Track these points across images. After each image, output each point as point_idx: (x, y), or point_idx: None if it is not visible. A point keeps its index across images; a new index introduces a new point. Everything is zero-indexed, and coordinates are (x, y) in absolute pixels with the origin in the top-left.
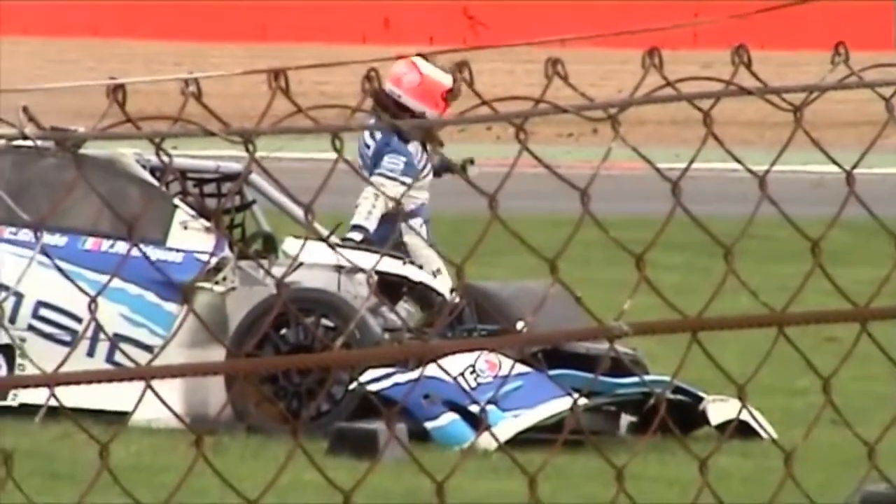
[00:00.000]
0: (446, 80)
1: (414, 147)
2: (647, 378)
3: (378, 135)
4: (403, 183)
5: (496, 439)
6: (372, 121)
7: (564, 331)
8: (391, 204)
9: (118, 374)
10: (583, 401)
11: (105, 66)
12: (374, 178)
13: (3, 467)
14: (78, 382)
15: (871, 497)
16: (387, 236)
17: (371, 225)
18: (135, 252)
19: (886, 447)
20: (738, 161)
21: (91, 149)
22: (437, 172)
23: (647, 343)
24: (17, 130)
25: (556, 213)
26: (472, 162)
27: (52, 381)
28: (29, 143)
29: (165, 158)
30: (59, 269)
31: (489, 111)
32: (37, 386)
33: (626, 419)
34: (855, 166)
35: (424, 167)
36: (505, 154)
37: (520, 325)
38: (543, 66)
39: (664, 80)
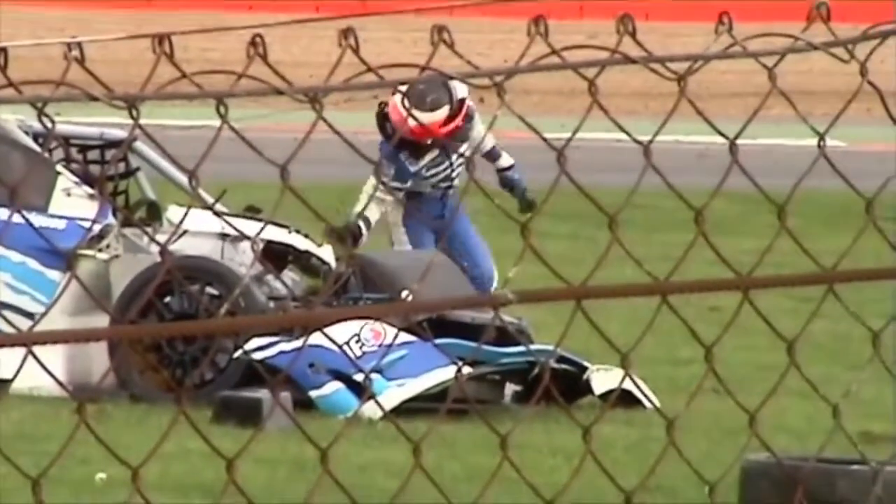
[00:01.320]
0: (419, 118)
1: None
2: (531, 347)
3: None
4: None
5: (381, 408)
6: None
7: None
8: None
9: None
10: (467, 370)
11: None
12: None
13: None
14: None
15: (753, 466)
16: None
17: (372, 216)
18: (16, 219)
19: (768, 416)
20: (623, 130)
21: None
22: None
23: (533, 312)
24: None
25: None
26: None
27: None
28: None
29: (48, 124)
30: None
31: (375, 79)
32: None
33: (510, 388)
34: (738, 136)
35: (428, 168)
36: None
37: (405, 293)
38: (430, 34)
39: (550, 48)
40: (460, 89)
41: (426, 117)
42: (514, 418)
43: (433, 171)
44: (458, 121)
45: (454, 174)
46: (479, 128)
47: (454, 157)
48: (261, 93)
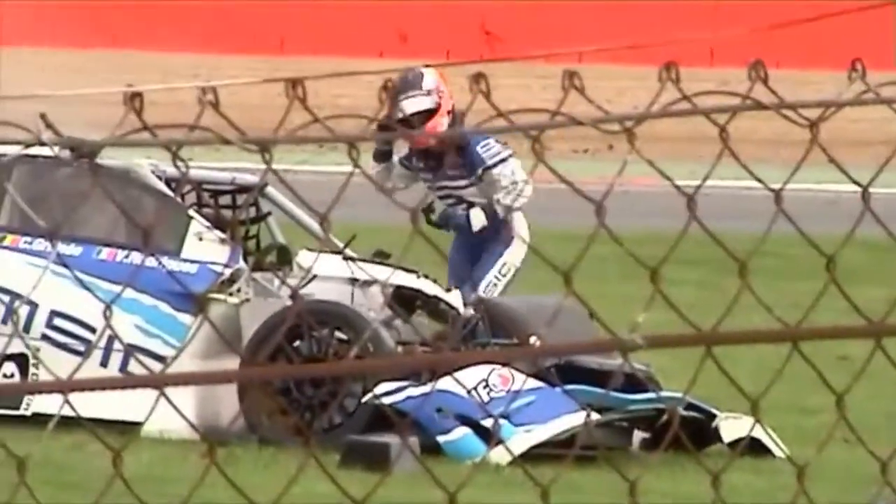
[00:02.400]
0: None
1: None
2: (660, 394)
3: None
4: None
5: (510, 453)
6: None
7: (577, 343)
8: None
9: (131, 381)
10: (595, 416)
11: (123, 78)
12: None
13: (16, 474)
14: (92, 389)
15: None
16: None
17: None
18: (149, 262)
19: None
20: (754, 176)
21: (107, 158)
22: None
23: (660, 359)
24: (35, 137)
25: (570, 228)
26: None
27: (65, 387)
28: (46, 151)
29: (182, 168)
30: (77, 278)
31: (505, 124)
32: (50, 392)
33: (638, 435)
34: (870, 183)
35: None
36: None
37: (533, 339)
38: (560, 80)
39: (681, 94)
40: (428, 79)
41: (405, 104)
42: (641, 465)
43: (442, 184)
44: (441, 115)
45: (460, 192)
46: (506, 169)
47: (460, 179)
48: (393, 136)
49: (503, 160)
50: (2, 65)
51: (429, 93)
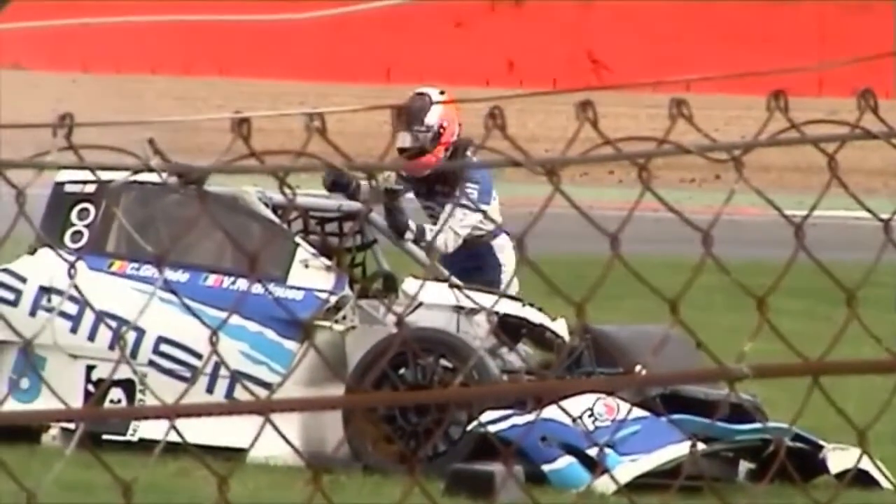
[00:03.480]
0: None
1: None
2: (766, 424)
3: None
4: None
5: (615, 482)
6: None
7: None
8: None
9: (238, 407)
10: (701, 446)
11: (232, 105)
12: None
13: (123, 499)
14: (199, 414)
15: None
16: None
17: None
18: (255, 289)
19: None
20: (863, 206)
21: (215, 185)
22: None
23: (767, 389)
24: (143, 163)
25: (676, 258)
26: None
27: (171, 412)
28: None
29: (288, 192)
30: (185, 304)
31: (613, 152)
32: (157, 417)
33: (744, 466)
34: None
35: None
36: (627, 198)
37: (638, 368)
38: (667, 108)
39: (789, 122)
40: (432, 115)
41: (400, 137)
42: (747, 496)
43: (428, 204)
44: (435, 153)
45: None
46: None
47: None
48: (498, 164)
49: (472, 208)
50: (111, 91)
51: (428, 129)
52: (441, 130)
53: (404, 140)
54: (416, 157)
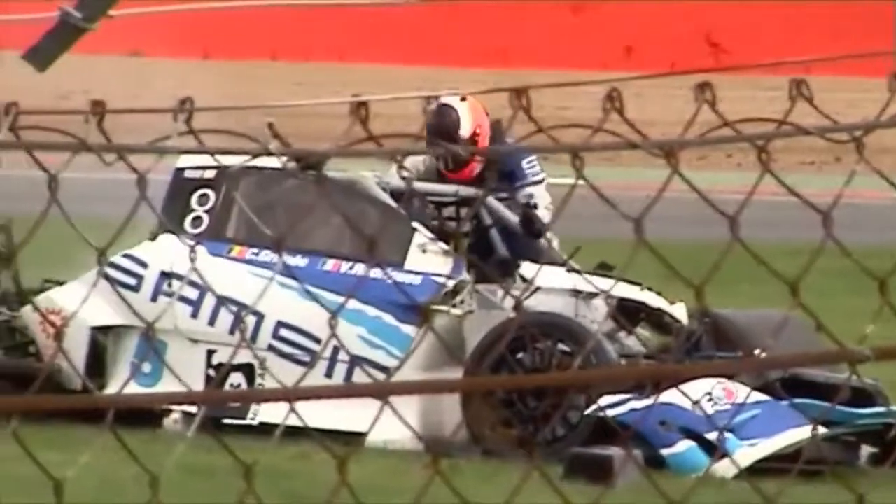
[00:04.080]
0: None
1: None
2: (889, 408)
3: None
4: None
5: (736, 466)
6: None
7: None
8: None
9: (356, 390)
10: (822, 430)
11: (349, 90)
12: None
13: (243, 482)
14: (317, 397)
15: None
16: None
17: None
18: (372, 273)
19: None
20: None
21: (333, 170)
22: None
23: (889, 373)
24: (262, 147)
25: (795, 242)
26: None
27: (291, 395)
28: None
29: (406, 175)
30: (304, 289)
31: (731, 134)
32: (276, 400)
33: (866, 450)
34: None
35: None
36: (745, 182)
37: (757, 351)
38: (787, 90)
39: None
40: (464, 127)
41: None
42: (869, 480)
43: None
44: (477, 161)
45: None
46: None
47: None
48: (615, 147)
49: (541, 181)
50: (231, 77)
51: (464, 142)
52: (476, 137)
53: (444, 161)
54: (459, 167)
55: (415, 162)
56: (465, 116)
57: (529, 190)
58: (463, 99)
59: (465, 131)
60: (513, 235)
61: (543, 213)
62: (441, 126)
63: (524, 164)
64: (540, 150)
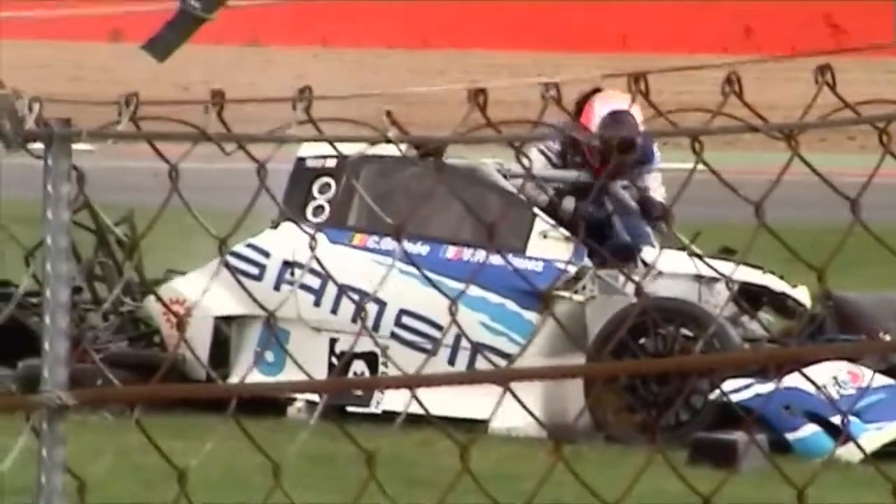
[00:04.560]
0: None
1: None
2: None
3: None
4: None
5: (861, 450)
6: None
7: None
8: None
9: (478, 376)
10: None
11: (469, 77)
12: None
13: (366, 469)
14: (440, 384)
15: None
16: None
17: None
18: (494, 260)
19: None
20: None
21: (453, 158)
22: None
23: None
24: (381, 135)
25: None
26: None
27: (413, 382)
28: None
29: (526, 163)
30: (425, 276)
31: (852, 117)
32: (398, 387)
33: None
34: None
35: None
36: (867, 164)
37: (882, 334)
38: None
39: None
40: (640, 126)
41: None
42: None
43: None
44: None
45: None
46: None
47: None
48: (735, 130)
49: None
50: (350, 66)
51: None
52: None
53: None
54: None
55: (537, 156)
56: (638, 116)
57: (655, 174)
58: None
59: (641, 130)
60: (634, 221)
61: (658, 198)
62: (625, 139)
63: (655, 147)
64: (660, 135)
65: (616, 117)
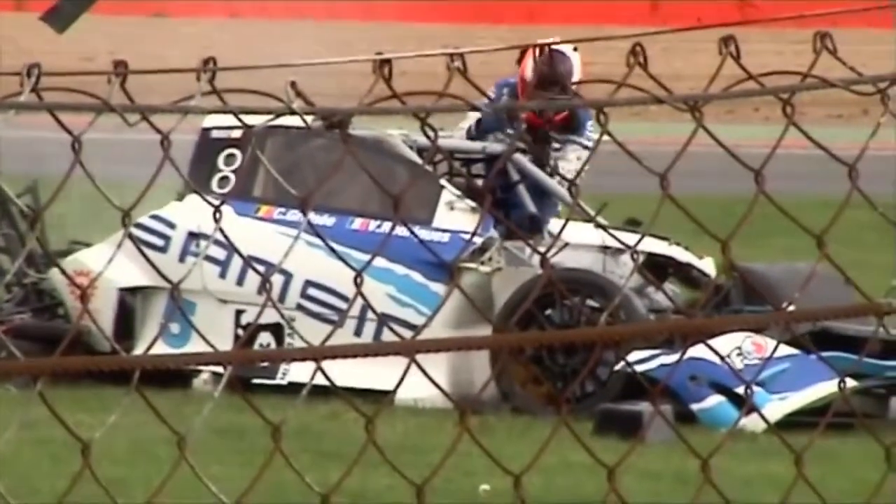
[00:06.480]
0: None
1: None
2: None
3: None
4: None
5: (764, 420)
6: None
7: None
8: None
9: (384, 348)
10: (852, 383)
11: (375, 48)
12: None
13: (271, 442)
14: (345, 356)
15: None
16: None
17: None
18: (401, 232)
19: None
20: None
21: (359, 129)
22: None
23: None
24: (286, 106)
25: (825, 195)
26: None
27: (318, 354)
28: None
29: (431, 135)
30: (330, 247)
31: (756, 88)
32: (303, 359)
33: (895, 402)
34: None
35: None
36: (773, 135)
37: (786, 305)
38: (812, 43)
39: None
40: (575, 72)
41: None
42: None
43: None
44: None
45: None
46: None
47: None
48: (640, 102)
49: (588, 149)
50: (257, 37)
51: (571, 89)
52: (577, 86)
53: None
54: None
55: (468, 120)
56: (576, 63)
57: (580, 155)
58: (575, 49)
59: (576, 78)
60: (541, 192)
61: (567, 173)
62: (554, 73)
63: (589, 123)
64: (567, 106)
65: (552, 54)
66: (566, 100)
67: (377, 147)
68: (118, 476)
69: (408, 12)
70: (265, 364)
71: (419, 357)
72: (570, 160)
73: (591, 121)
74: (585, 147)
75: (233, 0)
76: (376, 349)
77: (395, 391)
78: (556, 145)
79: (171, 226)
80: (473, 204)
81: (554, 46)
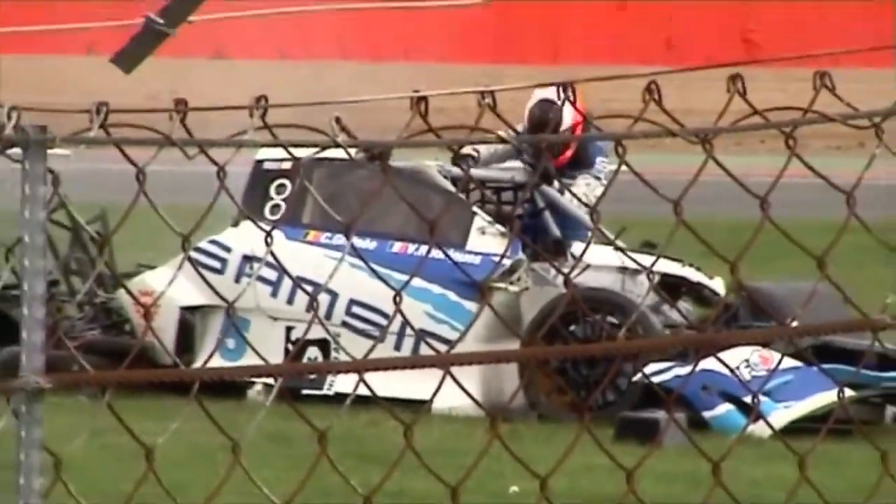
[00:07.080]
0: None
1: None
2: None
3: None
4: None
5: (770, 427)
6: None
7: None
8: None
9: (421, 361)
10: (850, 393)
11: (412, 86)
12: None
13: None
14: (385, 368)
15: None
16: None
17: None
18: (436, 255)
19: None
20: None
21: (398, 160)
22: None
23: None
24: (331, 139)
25: (825, 220)
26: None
27: (361, 367)
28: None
29: (464, 166)
30: (370, 268)
31: (760, 122)
32: (348, 372)
33: (890, 410)
34: None
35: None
36: (778, 165)
37: (789, 321)
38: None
39: None
40: (566, 120)
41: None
42: (893, 437)
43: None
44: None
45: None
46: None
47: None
48: (655, 135)
49: (598, 178)
50: (301, 76)
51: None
52: (574, 127)
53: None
54: (555, 156)
55: (488, 149)
56: (567, 109)
57: (590, 182)
58: (564, 88)
59: (566, 125)
60: (566, 218)
61: (584, 199)
62: (548, 122)
63: (600, 158)
64: (587, 139)
65: (541, 103)
66: (589, 134)
67: (415, 177)
68: (178, 479)
69: (445, 53)
70: (313, 376)
71: (453, 369)
72: (580, 185)
73: (601, 156)
74: (596, 177)
75: (283, 43)
76: (414, 362)
77: (431, 400)
78: (567, 180)
79: (227, 249)
80: (503, 229)
81: (544, 97)
